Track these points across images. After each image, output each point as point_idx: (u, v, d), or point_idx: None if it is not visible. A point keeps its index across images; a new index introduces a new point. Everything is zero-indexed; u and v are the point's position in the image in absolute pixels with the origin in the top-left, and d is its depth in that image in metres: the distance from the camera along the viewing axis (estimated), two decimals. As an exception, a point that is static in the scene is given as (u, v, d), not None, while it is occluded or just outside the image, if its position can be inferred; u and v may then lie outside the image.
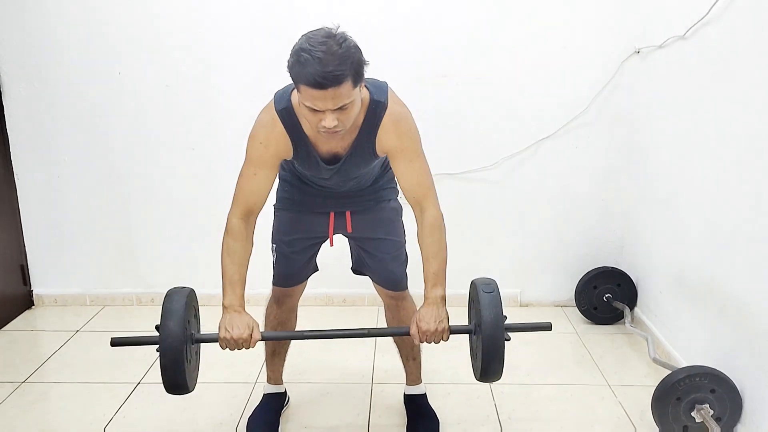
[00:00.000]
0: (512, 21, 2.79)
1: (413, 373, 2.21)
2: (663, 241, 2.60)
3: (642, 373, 2.49)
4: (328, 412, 2.24)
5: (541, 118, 2.89)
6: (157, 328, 1.63)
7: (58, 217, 3.09)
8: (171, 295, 1.67)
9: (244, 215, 1.75)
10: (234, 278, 1.74)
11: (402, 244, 2.06)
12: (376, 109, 1.70)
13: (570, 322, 2.97)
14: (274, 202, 2.03)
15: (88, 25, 2.83)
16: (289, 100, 1.69)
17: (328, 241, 2.01)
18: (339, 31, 1.53)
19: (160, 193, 3.04)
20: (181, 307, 1.63)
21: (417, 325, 1.71)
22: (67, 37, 2.85)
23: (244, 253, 1.76)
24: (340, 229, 1.99)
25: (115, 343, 1.73)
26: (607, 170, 2.96)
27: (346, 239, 2.08)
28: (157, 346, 1.62)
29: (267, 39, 2.83)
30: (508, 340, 1.64)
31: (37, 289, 3.20)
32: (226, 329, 1.68)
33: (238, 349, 1.70)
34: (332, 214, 1.96)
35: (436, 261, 1.74)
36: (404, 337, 2.13)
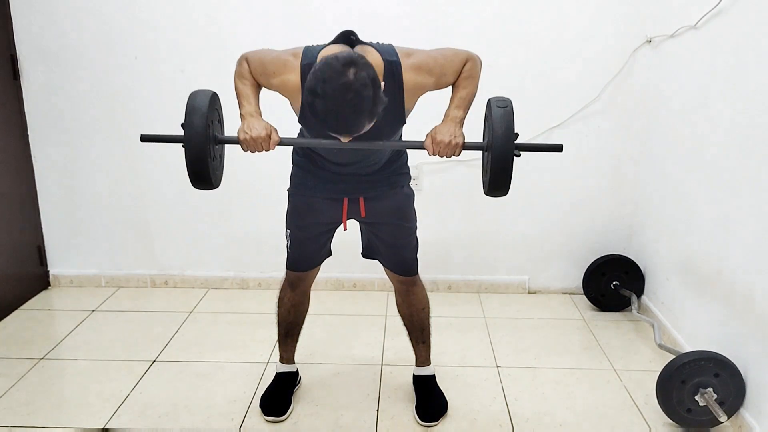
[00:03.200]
0: (523, 9, 2.81)
1: (422, 355, 2.25)
2: (670, 229, 2.62)
3: (647, 358, 2.53)
4: (338, 393, 2.29)
5: (551, 107, 2.91)
6: (183, 126, 1.68)
7: (74, 199, 3.14)
8: (195, 94, 1.71)
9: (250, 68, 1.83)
10: (248, 92, 1.81)
11: (414, 229, 2.10)
12: (392, 69, 1.72)
13: (578, 309, 3.00)
14: (288, 187, 2.06)
15: (105, 9, 2.88)
16: (316, 58, 1.68)
17: (342, 225, 2.04)
18: (352, 58, 1.51)
19: (174, 177, 3.09)
20: (204, 104, 1.68)
21: (431, 137, 1.75)
22: (85, 21, 2.89)
23: (256, 82, 1.83)
24: (353, 214, 2.02)
25: (145, 138, 1.80)
26: (616, 159, 2.98)
27: (358, 224, 2.12)
28: (183, 142, 1.67)
29: (283, 25, 2.86)
30: (518, 156, 1.65)
31: (54, 269, 3.26)
32: (245, 131, 1.74)
33: (258, 150, 1.75)
34: (346, 200, 1.98)
35: (466, 89, 1.81)
36: (415, 321, 2.18)
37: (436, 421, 2.09)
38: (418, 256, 2.13)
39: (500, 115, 1.65)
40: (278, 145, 1.75)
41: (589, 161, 2.99)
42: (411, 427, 2.09)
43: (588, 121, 2.92)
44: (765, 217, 1.91)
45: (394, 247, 2.08)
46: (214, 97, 1.76)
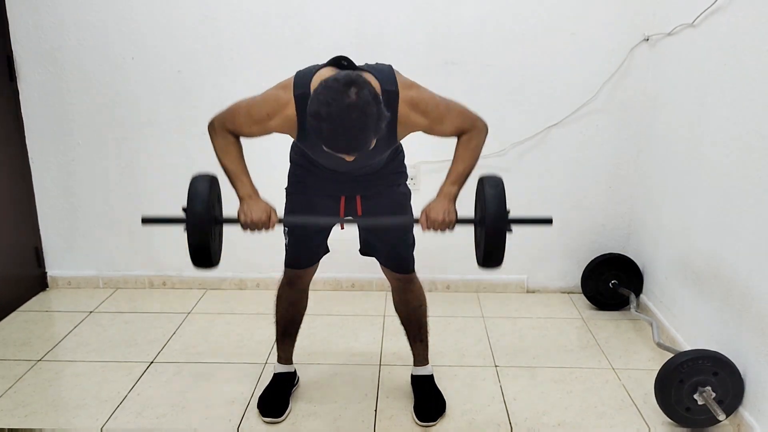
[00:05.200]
0: (521, 8, 2.80)
1: (420, 355, 2.25)
2: (669, 228, 2.62)
3: (646, 357, 2.52)
4: (336, 393, 2.28)
5: (549, 106, 2.91)
6: (184, 209, 1.74)
7: (72, 200, 3.14)
8: (196, 179, 1.76)
9: (229, 131, 1.82)
10: (238, 171, 1.83)
11: (410, 227, 2.09)
12: (389, 99, 1.70)
13: (576, 308, 3.00)
14: (286, 185, 2.06)
15: (102, 10, 2.87)
16: (308, 86, 1.68)
17: (339, 224, 2.04)
18: (351, 78, 1.51)
19: (172, 177, 3.08)
20: (205, 190, 1.74)
21: (426, 214, 1.80)
22: (82, 21, 2.88)
23: (239, 150, 1.84)
24: (350, 212, 2.02)
25: (146, 220, 1.86)
26: (614, 157, 2.98)
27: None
28: (185, 225, 1.74)
29: (281, 26, 2.85)
30: (510, 231, 1.73)
31: (52, 271, 3.25)
32: (245, 214, 1.79)
33: (259, 230, 1.80)
34: (343, 198, 1.99)
35: (464, 164, 1.84)
36: (412, 319, 2.18)
37: (435, 421, 2.09)
38: (415, 254, 2.13)
39: (492, 194, 1.72)
40: (278, 224, 1.82)
41: (587, 160, 2.98)
42: (409, 427, 2.09)
43: (586, 119, 2.92)
44: (763, 216, 1.91)
45: (391, 244, 2.08)
46: (214, 181, 1.82)
